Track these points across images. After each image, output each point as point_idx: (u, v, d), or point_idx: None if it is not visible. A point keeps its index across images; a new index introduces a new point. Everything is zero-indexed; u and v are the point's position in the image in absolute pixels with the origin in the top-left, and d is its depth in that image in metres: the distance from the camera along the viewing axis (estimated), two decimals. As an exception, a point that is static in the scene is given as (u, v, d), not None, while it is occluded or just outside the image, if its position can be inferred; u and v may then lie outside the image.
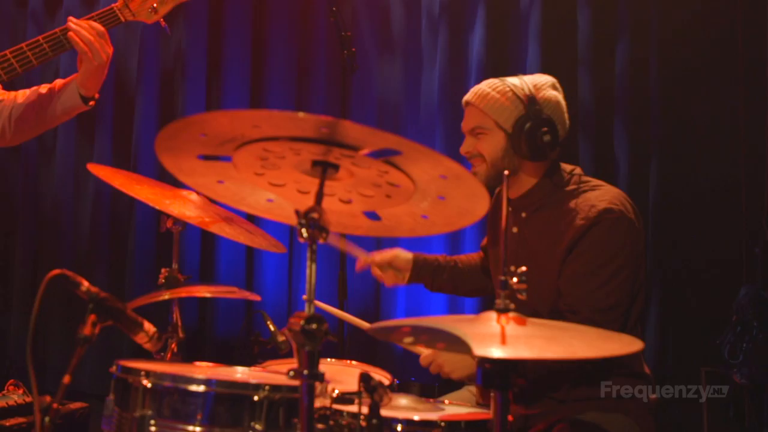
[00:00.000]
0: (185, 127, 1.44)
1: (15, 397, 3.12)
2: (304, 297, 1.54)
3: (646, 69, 3.67)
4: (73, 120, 4.17)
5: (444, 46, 3.88)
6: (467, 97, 2.45)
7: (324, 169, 1.55)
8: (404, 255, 2.66)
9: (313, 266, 1.53)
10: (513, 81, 2.41)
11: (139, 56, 4.15)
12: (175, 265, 2.56)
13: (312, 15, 4.01)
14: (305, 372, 1.52)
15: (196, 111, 4.11)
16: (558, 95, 2.43)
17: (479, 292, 2.81)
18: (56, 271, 1.63)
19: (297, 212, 1.52)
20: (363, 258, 2.64)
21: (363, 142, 1.42)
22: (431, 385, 3.58)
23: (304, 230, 1.51)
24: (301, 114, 1.34)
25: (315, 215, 1.52)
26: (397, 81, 3.99)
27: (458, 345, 1.49)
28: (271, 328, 2.63)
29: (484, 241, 2.77)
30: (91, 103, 2.36)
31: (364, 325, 2.51)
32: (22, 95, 2.39)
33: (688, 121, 3.68)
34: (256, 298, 2.30)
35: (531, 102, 2.35)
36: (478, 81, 3.62)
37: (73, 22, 2.27)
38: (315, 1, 3.28)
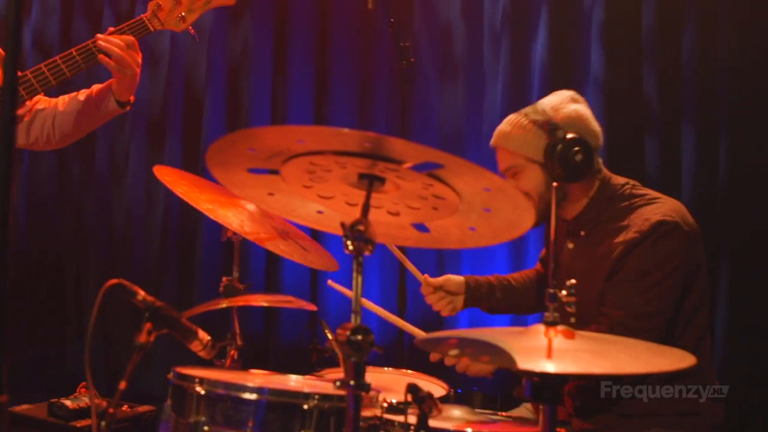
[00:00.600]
0: (234, 141, 1.48)
1: (86, 399, 3.24)
2: (354, 309, 1.56)
3: (713, 60, 3.55)
4: (143, 130, 4.34)
5: (506, 58, 3.85)
6: (493, 141, 2.46)
7: (370, 182, 1.56)
8: (456, 278, 2.65)
9: (359, 278, 1.55)
10: (530, 111, 2.40)
11: (207, 58, 4.24)
12: (235, 274, 2.60)
13: (374, 22, 4.03)
14: (351, 382, 1.53)
15: (262, 111, 4.19)
16: (579, 107, 2.40)
17: (536, 309, 2.78)
18: (114, 281, 1.69)
19: (343, 225, 1.54)
20: (420, 278, 2.64)
21: (406, 155, 1.43)
22: (493, 396, 3.54)
23: (349, 242, 1.53)
24: (344, 130, 1.36)
25: (361, 228, 1.54)
26: (458, 97, 3.97)
27: (503, 358, 1.49)
28: (329, 336, 2.65)
29: (543, 253, 2.75)
30: (128, 107, 2.44)
31: (419, 333, 2.52)
32: (62, 102, 2.47)
33: (757, 113, 3.53)
34: (312, 308, 2.32)
35: (552, 127, 2.34)
36: (542, 90, 3.62)
37: (101, 39, 2.33)
38: (377, 10, 3.31)
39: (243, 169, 1.60)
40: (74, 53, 2.33)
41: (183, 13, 2.41)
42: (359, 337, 1.52)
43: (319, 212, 1.79)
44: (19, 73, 2.37)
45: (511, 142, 2.39)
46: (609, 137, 3.68)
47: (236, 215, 2.50)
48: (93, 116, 2.42)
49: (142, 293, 1.74)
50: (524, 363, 1.45)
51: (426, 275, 2.65)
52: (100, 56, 2.29)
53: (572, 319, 1.63)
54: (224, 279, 2.59)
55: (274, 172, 1.59)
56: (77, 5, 4.47)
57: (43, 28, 4.49)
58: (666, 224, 2.24)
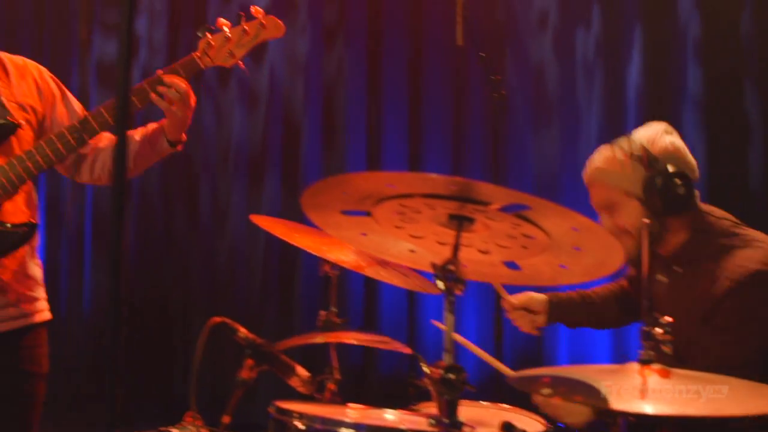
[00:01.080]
0: (327, 186, 1.54)
1: (191, 428, 3.35)
2: (446, 348, 1.58)
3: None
4: (244, 167, 4.49)
5: (600, 87, 3.82)
6: (587, 176, 2.41)
7: (459, 222, 1.59)
8: (538, 297, 2.63)
9: (450, 317, 1.57)
10: (624, 144, 2.35)
11: (304, 89, 4.36)
12: (332, 309, 2.66)
13: (465, 57, 4.06)
14: (445, 420, 1.55)
15: (357, 141, 4.27)
16: (674, 140, 2.34)
17: (618, 324, 2.75)
18: (217, 319, 1.77)
19: (434, 265, 1.57)
20: (502, 294, 2.63)
21: (492, 197, 1.45)
22: (596, 432, 3.47)
23: (440, 282, 1.56)
24: (432, 175, 1.40)
25: (452, 267, 1.57)
26: (552, 130, 3.95)
27: (596, 398, 1.48)
28: (426, 371, 2.68)
29: (631, 272, 2.69)
30: (179, 146, 2.47)
31: (508, 372, 2.51)
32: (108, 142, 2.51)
33: None
34: (407, 350, 2.35)
35: (651, 160, 2.28)
36: (639, 118, 3.57)
37: (147, 84, 2.37)
38: (467, 45, 3.35)
39: (337, 211, 1.66)
40: (101, 109, 2.37)
41: (231, 49, 2.44)
42: (452, 376, 1.54)
43: (411, 251, 1.82)
44: (82, 115, 2.46)
45: (608, 177, 2.35)
46: (710, 157, 3.60)
47: (335, 252, 2.57)
48: (148, 155, 2.48)
49: (243, 331, 1.81)
50: (618, 403, 1.44)
51: (509, 296, 2.64)
52: (153, 95, 2.34)
53: (666, 349, 1.59)
54: (322, 313, 2.66)
55: (366, 213, 1.64)
56: (181, 42, 4.67)
57: (149, 65, 4.72)
58: (763, 274, 2.16)
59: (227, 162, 4.53)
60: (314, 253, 2.47)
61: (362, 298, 4.22)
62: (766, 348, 2.17)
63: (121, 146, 1.11)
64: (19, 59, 2.48)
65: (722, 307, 2.18)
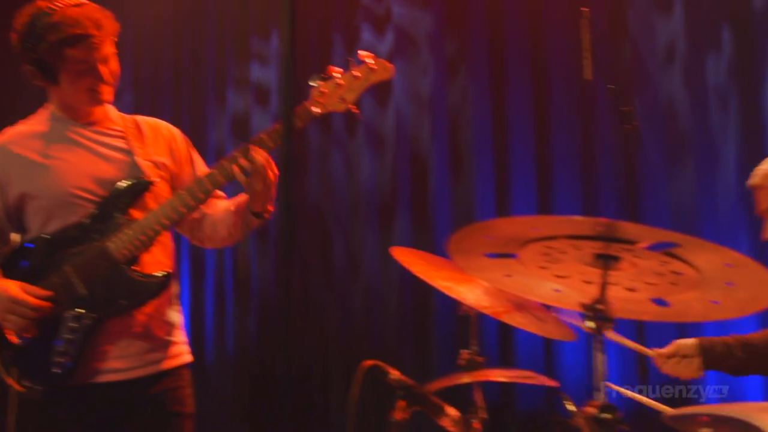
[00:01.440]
0: (473, 231, 1.59)
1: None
2: (596, 386, 1.59)
3: None
4: (374, 212, 4.58)
5: (735, 115, 3.70)
6: (753, 180, 2.35)
7: (606, 261, 1.60)
8: (686, 342, 2.53)
9: (600, 356, 1.58)
10: None
11: (430, 130, 4.42)
12: (474, 348, 2.68)
13: (593, 92, 4.03)
14: (600, 459, 1.55)
15: (485, 175, 4.28)
16: None
17: None
18: (369, 362, 1.84)
19: (582, 305, 1.59)
20: (650, 354, 2.57)
21: (640, 236, 1.46)
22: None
23: (590, 322, 1.57)
24: (577, 218, 1.42)
25: (600, 307, 1.58)
26: (687, 161, 3.85)
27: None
28: (571, 408, 2.65)
29: None
30: (266, 215, 2.48)
31: (665, 409, 2.45)
32: (220, 210, 2.59)
33: None
34: (555, 384, 2.34)
35: None
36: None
37: (229, 158, 2.42)
38: (597, 83, 3.32)
39: (480, 254, 1.70)
40: (215, 171, 2.44)
41: (343, 95, 2.47)
42: (607, 415, 1.54)
43: (556, 291, 1.84)
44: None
45: None
46: None
47: (472, 290, 2.60)
48: (240, 226, 2.54)
49: (395, 373, 1.87)
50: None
51: (655, 349, 2.57)
52: (234, 167, 2.40)
53: None
54: (463, 353, 2.68)
55: (511, 256, 1.67)
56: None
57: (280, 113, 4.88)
58: None
59: (358, 209, 4.63)
60: (451, 294, 2.50)
61: (496, 335, 4.20)
62: None
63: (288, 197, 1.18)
64: (153, 120, 2.63)
65: None
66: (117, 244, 2.36)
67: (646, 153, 3.68)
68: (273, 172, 2.41)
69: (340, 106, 2.48)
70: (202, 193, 2.43)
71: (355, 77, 2.50)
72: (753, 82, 3.70)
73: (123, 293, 2.38)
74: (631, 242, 1.49)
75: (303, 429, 4.63)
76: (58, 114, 2.49)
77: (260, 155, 2.39)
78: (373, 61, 2.52)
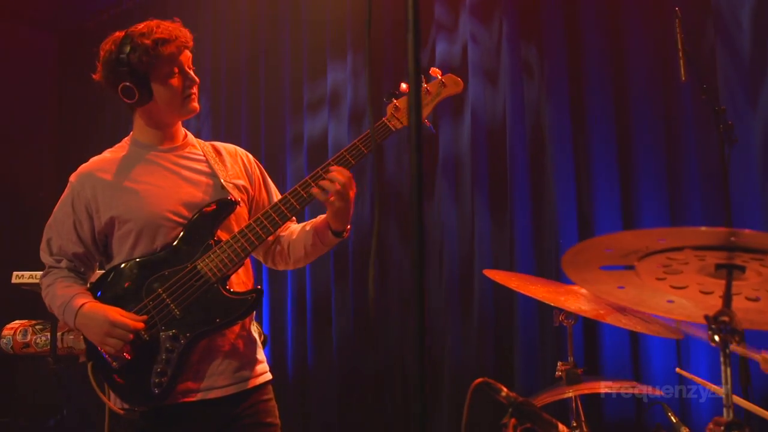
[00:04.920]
0: (591, 245, 1.56)
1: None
2: (726, 404, 1.53)
3: None
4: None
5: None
6: None
7: (729, 271, 1.55)
8: None
9: (728, 370, 1.53)
10: None
11: (508, 149, 4.38)
12: (570, 359, 2.64)
13: (681, 91, 3.93)
14: (731, 478, 1.50)
15: (566, 186, 4.21)
16: None
17: None
18: (479, 380, 1.81)
19: (707, 317, 1.54)
20: (757, 358, 2.48)
21: (772, 246, 1.41)
22: None
23: (716, 336, 1.52)
24: (703, 228, 1.38)
25: (725, 318, 1.52)
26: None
27: None
28: (673, 420, 2.59)
29: None
30: (345, 235, 2.55)
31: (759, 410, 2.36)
32: (296, 231, 2.66)
33: None
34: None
35: None
36: None
37: (312, 177, 2.46)
38: (686, 84, 3.24)
39: (596, 266, 1.67)
40: (298, 188, 2.49)
41: None
42: (736, 432, 1.49)
43: (669, 302, 1.79)
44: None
45: None
46: None
47: (571, 300, 2.56)
48: (317, 246, 2.60)
49: (505, 390, 1.84)
50: None
51: (763, 351, 2.49)
52: (314, 189, 2.45)
53: None
54: (560, 365, 2.64)
55: (629, 267, 1.63)
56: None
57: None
58: None
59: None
60: (553, 304, 2.48)
61: (582, 344, 4.13)
62: None
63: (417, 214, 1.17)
64: (230, 146, 2.72)
65: None
66: (208, 264, 2.42)
67: (739, 155, 3.57)
68: (353, 190, 2.48)
69: None
70: (289, 212, 2.49)
71: (428, 92, 2.60)
72: None
73: (217, 312, 2.44)
74: (763, 252, 1.43)
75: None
76: (141, 140, 2.58)
77: (343, 174, 2.46)
78: (444, 77, 2.62)
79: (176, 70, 2.49)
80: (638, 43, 4.07)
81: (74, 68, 6.68)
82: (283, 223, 2.50)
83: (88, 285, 2.56)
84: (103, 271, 2.54)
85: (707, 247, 1.48)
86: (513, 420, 1.83)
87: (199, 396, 2.43)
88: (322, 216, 2.59)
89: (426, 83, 2.61)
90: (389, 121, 2.55)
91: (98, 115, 6.64)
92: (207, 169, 2.57)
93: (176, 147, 2.60)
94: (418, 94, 1.21)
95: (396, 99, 2.58)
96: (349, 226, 2.55)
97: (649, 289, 1.74)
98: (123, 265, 2.47)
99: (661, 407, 2.63)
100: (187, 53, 2.53)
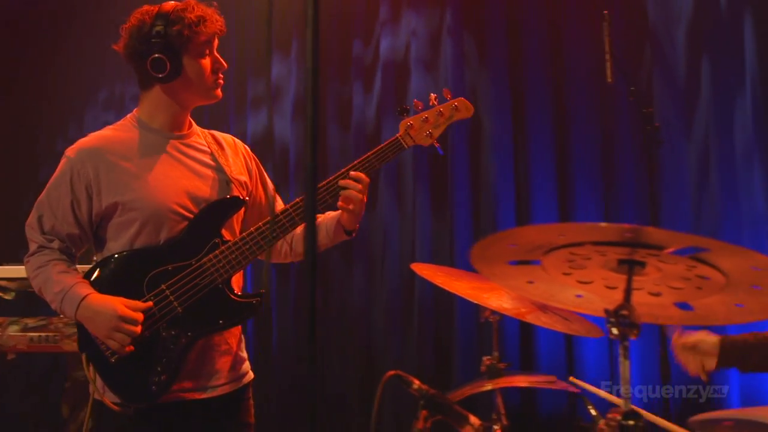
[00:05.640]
0: (497, 240, 1.58)
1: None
2: (623, 394, 1.57)
3: None
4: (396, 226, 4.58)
5: (760, 115, 3.67)
6: None
7: (630, 267, 1.59)
8: (710, 340, 2.53)
9: (627, 363, 1.57)
10: None
11: (449, 142, 4.42)
12: (495, 354, 2.68)
13: (613, 95, 4.02)
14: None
15: (505, 183, 4.27)
16: None
17: None
18: (391, 372, 1.83)
19: (606, 311, 1.58)
20: (675, 339, 2.56)
21: (667, 242, 1.45)
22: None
23: (614, 329, 1.56)
24: (603, 224, 1.42)
25: (625, 312, 1.57)
26: (709, 166, 3.83)
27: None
28: (593, 413, 2.64)
29: None
30: (354, 234, 2.58)
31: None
32: (301, 227, 2.62)
33: None
34: (575, 390, 2.34)
35: None
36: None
37: (333, 180, 2.48)
38: (617, 86, 3.33)
39: (504, 261, 1.70)
40: (322, 189, 2.48)
41: (430, 131, 2.58)
42: (631, 423, 1.53)
43: (578, 296, 1.83)
44: (273, 194, 2.64)
45: None
46: None
47: (494, 297, 2.60)
48: (324, 242, 2.61)
49: (417, 382, 1.86)
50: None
51: (679, 331, 2.56)
52: (340, 203, 2.47)
53: None
54: (485, 359, 2.68)
55: (535, 262, 1.66)
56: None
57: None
58: None
59: (377, 222, 4.62)
60: (475, 300, 2.51)
61: (518, 339, 4.19)
62: None
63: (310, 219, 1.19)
64: (229, 137, 2.65)
65: None
66: (215, 264, 2.36)
67: (666, 155, 3.66)
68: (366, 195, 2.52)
69: (427, 141, 2.61)
70: (301, 220, 2.45)
71: (441, 114, 2.63)
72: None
73: (222, 314, 2.39)
74: (659, 248, 1.48)
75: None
76: (148, 123, 2.49)
77: (365, 178, 2.49)
78: (456, 100, 2.66)
79: (209, 51, 2.43)
80: (577, 42, 4.14)
81: None
82: (293, 230, 2.48)
83: (94, 271, 2.43)
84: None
85: (607, 243, 1.52)
86: (424, 412, 1.86)
87: (196, 395, 2.39)
88: (331, 213, 2.61)
89: (439, 104, 2.64)
90: (402, 139, 2.57)
91: None
92: (212, 163, 2.50)
93: (184, 135, 2.52)
94: (315, 88, 1.22)
95: (408, 116, 2.61)
96: (357, 225, 2.58)
97: (558, 283, 1.78)
98: (124, 255, 2.38)
99: (582, 400, 2.69)
100: (217, 40, 2.48)
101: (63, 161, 2.43)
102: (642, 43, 4.00)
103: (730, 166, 3.77)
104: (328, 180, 2.47)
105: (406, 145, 2.57)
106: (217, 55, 2.45)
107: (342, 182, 2.46)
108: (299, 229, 2.60)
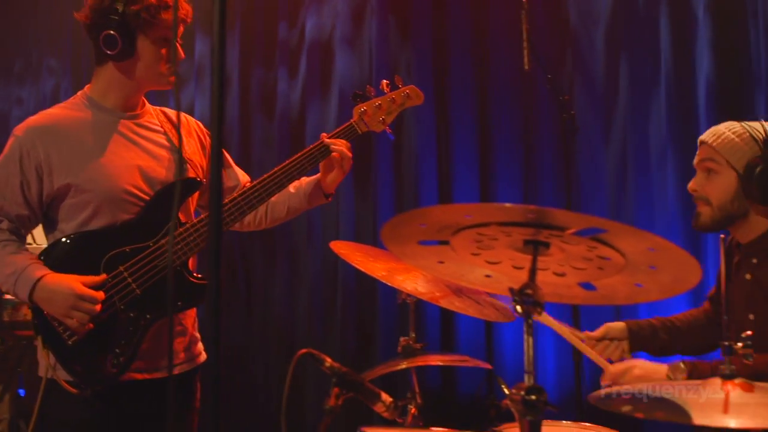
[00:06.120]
0: (406, 219, 1.61)
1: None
2: (527, 369, 1.62)
3: None
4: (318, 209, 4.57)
5: (669, 102, 3.80)
6: (703, 136, 2.45)
7: (535, 247, 1.64)
8: (615, 325, 2.64)
9: (530, 340, 1.62)
10: (753, 124, 2.38)
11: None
12: (412, 335, 2.73)
13: (532, 81, 4.10)
14: (528, 441, 1.59)
15: (428, 167, 4.32)
16: None
17: (707, 351, 2.72)
18: (303, 351, 1.85)
19: (511, 290, 1.62)
20: (580, 336, 2.64)
21: (568, 223, 1.50)
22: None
23: (518, 306, 1.61)
24: (507, 204, 1.46)
25: (529, 291, 1.61)
26: (623, 152, 3.95)
27: (678, 414, 1.51)
28: (506, 391, 2.72)
29: (712, 291, 2.70)
30: (330, 198, 2.65)
31: (605, 364, 2.52)
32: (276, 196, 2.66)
33: None
34: (487, 366, 2.40)
35: (766, 148, 2.29)
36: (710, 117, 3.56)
37: (329, 141, 2.54)
38: (535, 73, 3.41)
39: (414, 241, 1.73)
40: (302, 157, 2.53)
41: (383, 117, 2.63)
42: (533, 397, 1.58)
43: (487, 276, 1.87)
44: (234, 168, 2.64)
45: (720, 142, 2.38)
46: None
47: (412, 279, 2.63)
48: (301, 206, 2.66)
49: (329, 360, 1.89)
50: (701, 418, 1.47)
51: (586, 332, 2.66)
52: (335, 155, 2.54)
53: (747, 363, 1.62)
54: (402, 340, 2.72)
55: (444, 243, 1.70)
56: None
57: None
58: None
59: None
60: (391, 284, 2.54)
61: (438, 321, 4.26)
62: None
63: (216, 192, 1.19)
64: (183, 115, 2.66)
65: None
66: (172, 245, 2.34)
67: (583, 137, 3.76)
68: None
69: (380, 127, 2.67)
70: (266, 195, 2.48)
71: (394, 101, 2.69)
72: (686, 70, 3.80)
73: (179, 295, 2.39)
74: (561, 228, 1.53)
75: (244, 417, 4.63)
76: (100, 102, 2.44)
77: (344, 144, 2.56)
78: (408, 88, 2.72)
79: (168, 37, 2.39)
80: (499, 26, 4.21)
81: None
82: (252, 211, 2.49)
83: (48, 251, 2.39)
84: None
85: (512, 224, 1.56)
86: (336, 389, 1.88)
87: (149, 375, 2.39)
88: (306, 179, 2.65)
89: (391, 91, 2.69)
90: (356, 125, 2.61)
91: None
92: (167, 143, 2.48)
93: (137, 115, 2.49)
94: (219, 81, 1.23)
95: (362, 102, 2.65)
96: (333, 191, 2.65)
97: (467, 263, 1.82)
98: (80, 236, 2.34)
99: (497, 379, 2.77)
100: (182, 27, 2.45)
101: (11, 140, 2.38)
102: (562, 35, 4.09)
103: (646, 157, 3.90)
104: (295, 157, 2.52)
105: (359, 131, 2.62)
106: (178, 44, 2.41)
107: (328, 141, 2.53)
108: (276, 197, 2.61)
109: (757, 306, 2.33)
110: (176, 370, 2.44)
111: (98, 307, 2.24)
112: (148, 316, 2.31)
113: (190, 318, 2.52)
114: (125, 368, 2.31)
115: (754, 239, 2.38)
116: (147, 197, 2.38)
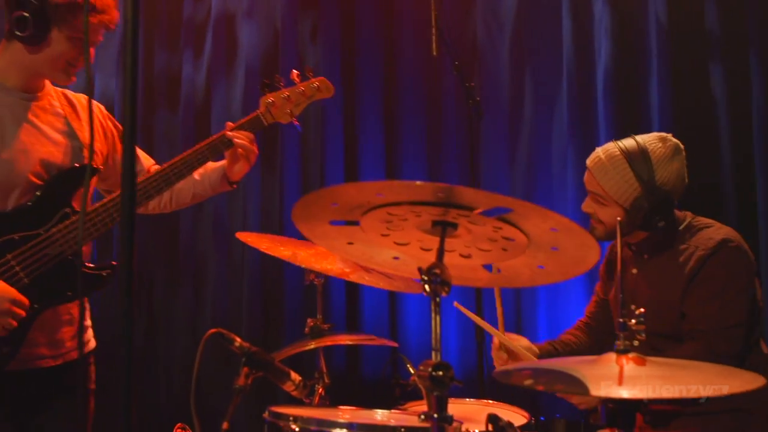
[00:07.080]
0: (318, 198, 1.63)
1: (188, 438, 3.41)
2: (434, 347, 1.67)
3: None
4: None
5: (570, 89, 3.92)
6: (589, 163, 2.57)
7: (443, 228, 1.69)
8: (524, 354, 2.63)
9: (438, 318, 1.67)
10: (633, 153, 2.48)
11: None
12: (319, 316, 2.75)
13: (439, 67, 4.16)
14: (435, 415, 1.64)
15: (335, 150, 4.33)
16: (678, 163, 2.51)
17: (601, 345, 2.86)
18: (212, 330, 1.86)
19: (420, 269, 1.66)
20: (494, 333, 2.71)
21: (476, 202, 1.55)
22: (576, 422, 3.59)
23: (427, 286, 1.65)
24: (418, 182, 1.49)
25: (437, 271, 1.66)
26: (526, 140, 4.06)
27: (576, 386, 1.59)
28: (411, 371, 2.78)
29: (598, 286, 2.86)
30: (235, 185, 2.66)
31: (497, 333, 2.61)
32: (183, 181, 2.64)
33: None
34: (393, 344, 2.45)
35: (650, 188, 2.44)
36: (607, 112, 3.70)
37: (231, 133, 2.52)
38: (443, 59, 3.47)
39: (325, 221, 1.74)
40: (204, 147, 2.50)
41: (290, 109, 2.62)
42: (440, 373, 1.63)
43: (395, 258, 1.91)
44: (159, 167, 2.56)
45: (606, 181, 2.50)
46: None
47: (319, 260, 2.66)
48: (206, 193, 2.66)
49: (238, 340, 1.89)
50: (596, 390, 1.55)
51: (507, 334, 2.70)
52: (239, 149, 2.53)
53: (636, 343, 1.71)
54: (309, 321, 2.74)
55: (354, 223, 1.72)
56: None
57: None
58: (730, 241, 2.44)
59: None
60: (301, 264, 2.57)
61: (344, 303, 4.30)
62: (744, 305, 2.41)
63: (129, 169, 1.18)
64: (83, 98, 2.54)
65: (699, 274, 2.39)
66: (65, 235, 2.26)
67: (488, 123, 3.85)
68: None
69: (287, 119, 2.65)
70: (165, 185, 2.43)
71: (302, 93, 2.67)
72: (588, 54, 3.93)
73: (70, 285, 2.29)
74: (469, 208, 1.57)
75: (151, 397, 4.56)
76: (1, 81, 2.34)
77: (247, 136, 2.54)
78: (317, 80, 2.70)
79: (81, 38, 2.28)
80: (409, 10, 4.24)
81: None
82: (160, 194, 2.46)
83: None
84: None
85: (422, 203, 1.60)
86: (246, 369, 1.89)
87: (37, 363, 2.32)
88: (211, 165, 2.61)
89: (300, 82, 2.66)
90: (263, 116, 2.59)
91: None
92: (66, 128, 2.40)
93: (38, 97, 2.39)
94: (133, 74, 1.21)
95: (270, 92, 2.61)
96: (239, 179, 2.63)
97: (377, 245, 1.85)
98: None
99: (402, 359, 2.83)
100: (103, 32, 2.36)
101: None
102: (470, 22, 4.16)
103: (548, 145, 4.02)
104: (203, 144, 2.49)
105: (266, 122, 2.60)
106: (91, 50, 2.35)
107: (231, 134, 2.52)
108: (181, 183, 2.57)
109: (643, 296, 2.51)
110: (60, 360, 2.38)
111: (24, 313, 2.20)
112: (35, 305, 2.25)
113: (78, 307, 2.45)
114: (11, 358, 2.24)
115: (643, 239, 2.56)
116: (42, 183, 2.32)
